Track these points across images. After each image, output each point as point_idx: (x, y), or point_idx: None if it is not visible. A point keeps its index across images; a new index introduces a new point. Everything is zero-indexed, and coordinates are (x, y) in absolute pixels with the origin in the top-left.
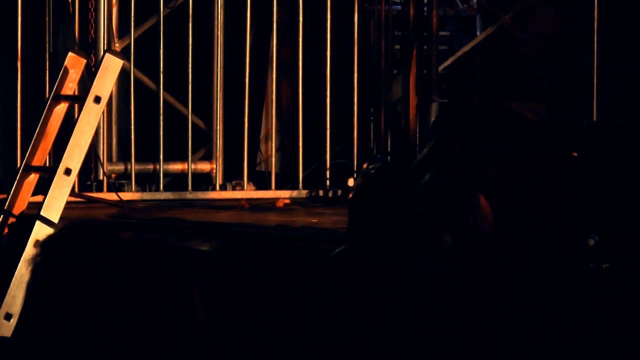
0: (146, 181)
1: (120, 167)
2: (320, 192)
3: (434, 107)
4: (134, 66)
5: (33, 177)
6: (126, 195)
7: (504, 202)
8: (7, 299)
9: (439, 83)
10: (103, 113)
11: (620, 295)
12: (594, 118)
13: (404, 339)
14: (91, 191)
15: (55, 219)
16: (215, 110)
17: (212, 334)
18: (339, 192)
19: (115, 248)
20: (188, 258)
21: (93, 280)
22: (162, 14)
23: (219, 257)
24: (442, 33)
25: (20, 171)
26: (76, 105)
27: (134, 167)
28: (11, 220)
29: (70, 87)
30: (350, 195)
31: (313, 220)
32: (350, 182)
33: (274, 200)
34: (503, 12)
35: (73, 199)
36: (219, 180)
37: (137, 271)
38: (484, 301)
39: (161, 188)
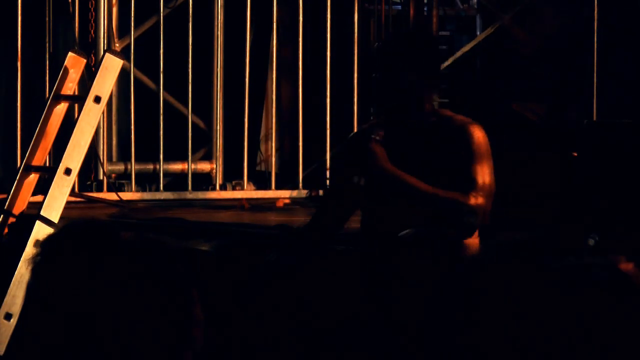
0: (146, 181)
1: (120, 167)
2: (321, 192)
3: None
4: (134, 66)
5: (33, 177)
6: (126, 195)
7: (504, 200)
8: (7, 299)
9: (439, 83)
10: (103, 113)
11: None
12: (594, 118)
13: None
14: (91, 191)
15: (55, 218)
16: (215, 110)
17: (212, 334)
18: None
19: (115, 248)
20: (188, 258)
21: (93, 280)
22: (162, 14)
23: (219, 257)
24: (442, 33)
25: (20, 171)
26: (76, 105)
27: (134, 167)
28: (11, 220)
29: (70, 87)
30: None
31: None
32: None
33: (274, 200)
34: (503, 12)
35: (73, 198)
36: (219, 180)
37: (137, 271)
38: None
39: (161, 188)
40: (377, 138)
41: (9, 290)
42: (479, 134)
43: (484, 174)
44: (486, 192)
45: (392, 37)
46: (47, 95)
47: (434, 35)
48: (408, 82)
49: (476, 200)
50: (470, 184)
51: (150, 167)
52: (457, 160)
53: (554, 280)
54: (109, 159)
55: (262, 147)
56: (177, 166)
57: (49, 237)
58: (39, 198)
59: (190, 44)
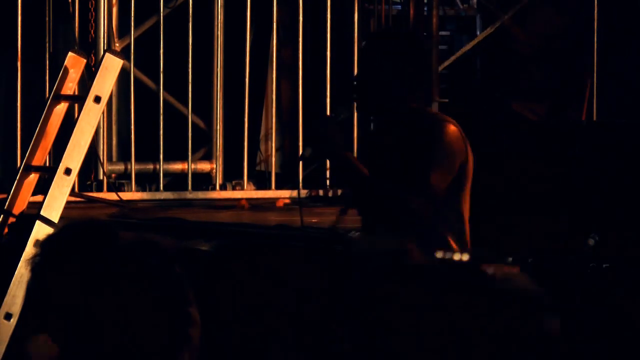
0: (146, 181)
1: (120, 167)
2: (320, 192)
3: (434, 107)
4: (134, 66)
5: (33, 177)
6: (126, 195)
7: (502, 200)
8: (7, 298)
9: (439, 83)
10: (103, 113)
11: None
12: (594, 118)
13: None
14: (91, 191)
15: (55, 218)
16: (215, 110)
17: (209, 334)
18: (339, 192)
19: (114, 248)
20: (186, 258)
21: (92, 280)
22: (162, 14)
23: (219, 257)
24: (442, 33)
25: (20, 171)
26: (76, 105)
27: (134, 167)
28: (11, 220)
29: (70, 87)
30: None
31: (313, 220)
32: None
33: (274, 200)
34: (503, 12)
35: (73, 198)
36: (219, 180)
37: (135, 271)
38: None
39: (161, 188)
40: (335, 118)
41: (9, 290)
42: (450, 132)
43: (438, 176)
44: (431, 194)
45: (373, 37)
46: (47, 95)
47: (419, 35)
48: (384, 82)
49: (419, 199)
50: (421, 181)
51: (150, 167)
52: (419, 153)
53: (424, 283)
54: (109, 159)
55: (262, 147)
56: (177, 166)
57: (49, 237)
58: (39, 198)
59: (190, 44)
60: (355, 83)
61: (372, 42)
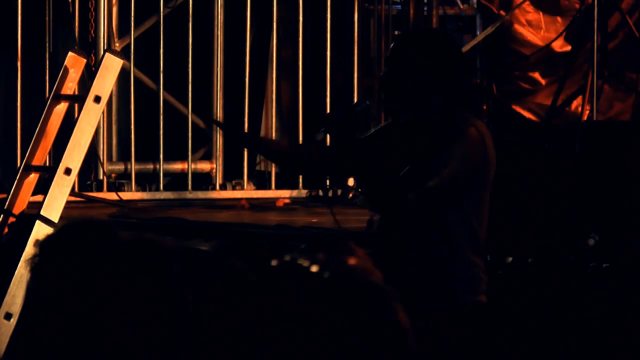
0: (146, 181)
1: (120, 167)
2: (320, 192)
3: None
4: (134, 66)
5: (33, 177)
6: (126, 195)
7: (502, 200)
8: (7, 298)
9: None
10: (103, 113)
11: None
12: (594, 118)
13: None
14: (91, 191)
15: (55, 218)
16: (215, 110)
17: (207, 335)
18: (339, 191)
19: (113, 248)
20: (185, 258)
21: (91, 280)
22: (162, 14)
23: (219, 257)
24: None
25: (20, 171)
26: (76, 105)
27: (134, 166)
28: (11, 220)
29: (70, 86)
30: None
31: (313, 220)
32: (350, 181)
33: (274, 200)
34: (503, 11)
35: (73, 198)
36: (219, 180)
37: (134, 271)
38: None
39: (161, 188)
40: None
41: (9, 290)
42: (467, 135)
43: (439, 178)
44: (430, 194)
45: (399, 36)
46: (47, 95)
47: (446, 36)
48: (405, 82)
49: (415, 196)
50: (422, 180)
51: (150, 167)
52: (428, 153)
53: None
54: (109, 159)
55: None
56: (177, 166)
57: (49, 237)
58: (39, 198)
59: (190, 44)
60: (382, 81)
61: (399, 41)
